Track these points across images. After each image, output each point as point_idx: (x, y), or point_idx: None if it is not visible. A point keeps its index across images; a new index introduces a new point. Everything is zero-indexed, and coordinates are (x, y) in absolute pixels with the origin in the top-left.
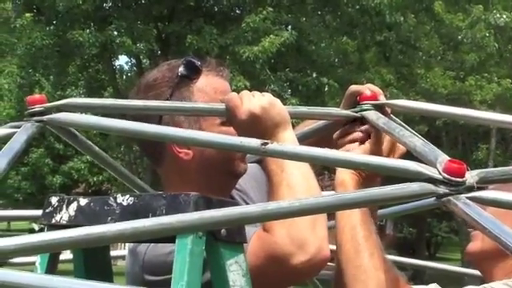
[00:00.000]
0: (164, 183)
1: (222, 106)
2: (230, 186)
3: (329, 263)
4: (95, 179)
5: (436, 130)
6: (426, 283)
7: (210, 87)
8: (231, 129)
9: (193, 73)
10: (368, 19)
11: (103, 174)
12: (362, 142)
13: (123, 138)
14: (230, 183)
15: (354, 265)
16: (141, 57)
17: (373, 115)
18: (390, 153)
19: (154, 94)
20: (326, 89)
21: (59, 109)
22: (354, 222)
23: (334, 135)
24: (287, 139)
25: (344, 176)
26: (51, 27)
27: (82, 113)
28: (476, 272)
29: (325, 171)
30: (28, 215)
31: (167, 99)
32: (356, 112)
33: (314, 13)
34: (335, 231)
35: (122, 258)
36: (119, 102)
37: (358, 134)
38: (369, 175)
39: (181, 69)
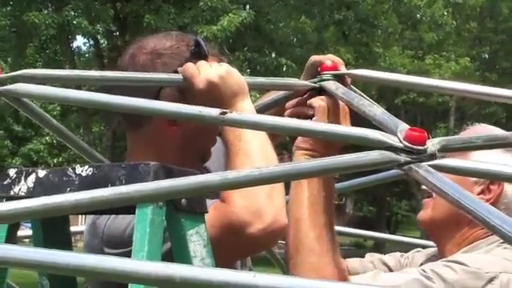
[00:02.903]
0: (132, 148)
1: (179, 76)
2: (198, 169)
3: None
4: (55, 161)
5: (395, 109)
6: None
7: None
8: None
9: (203, 54)
10: None
11: (62, 156)
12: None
13: (82, 119)
14: (198, 167)
15: (293, 261)
16: (98, 37)
17: (332, 85)
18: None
19: (161, 62)
20: (285, 69)
21: (16, 80)
22: (298, 214)
23: (287, 104)
24: (246, 109)
25: (300, 159)
26: (8, 8)
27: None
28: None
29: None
30: None
31: (174, 71)
32: (315, 82)
33: None
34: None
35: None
36: (76, 72)
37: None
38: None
39: (194, 46)
